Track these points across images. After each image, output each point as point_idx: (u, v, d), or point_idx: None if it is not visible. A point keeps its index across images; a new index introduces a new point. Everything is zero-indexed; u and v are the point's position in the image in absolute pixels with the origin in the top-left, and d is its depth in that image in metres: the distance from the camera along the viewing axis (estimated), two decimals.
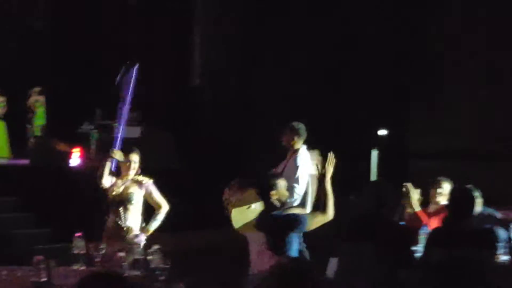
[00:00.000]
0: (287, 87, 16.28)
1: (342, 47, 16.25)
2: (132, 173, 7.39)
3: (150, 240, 6.96)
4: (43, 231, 11.70)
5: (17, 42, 17.49)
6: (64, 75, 16.67)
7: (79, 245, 6.14)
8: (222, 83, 16.96)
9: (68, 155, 13.86)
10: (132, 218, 7.32)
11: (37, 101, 17.36)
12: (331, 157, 6.29)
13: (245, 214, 6.79)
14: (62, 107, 16.41)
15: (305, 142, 8.23)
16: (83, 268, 6.02)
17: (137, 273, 5.71)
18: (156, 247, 5.62)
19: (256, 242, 6.47)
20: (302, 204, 7.87)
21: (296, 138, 8.18)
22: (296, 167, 7.91)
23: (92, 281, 2.55)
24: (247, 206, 6.82)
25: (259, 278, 5.30)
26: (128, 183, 7.36)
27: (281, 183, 6.28)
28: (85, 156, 14.90)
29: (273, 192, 6.17)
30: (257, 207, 6.59)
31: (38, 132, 16.63)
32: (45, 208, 11.76)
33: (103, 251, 6.19)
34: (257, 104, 16.67)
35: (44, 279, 5.05)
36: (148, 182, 7.43)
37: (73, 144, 14.65)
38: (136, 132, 15.48)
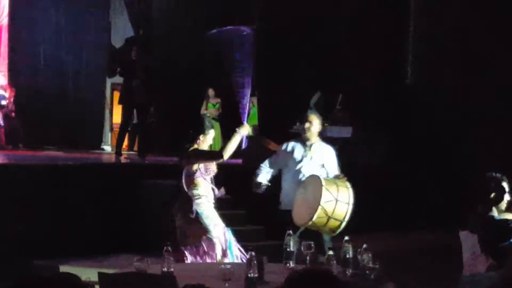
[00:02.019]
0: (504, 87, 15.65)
1: None
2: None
3: (360, 239, 6.89)
4: (256, 228, 11.94)
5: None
6: (279, 76, 16.91)
7: (291, 242, 6.18)
8: (436, 82, 16.58)
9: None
10: None
11: (251, 102, 17.83)
12: None
13: None
14: (275, 107, 16.70)
15: None
16: (294, 265, 6.05)
17: (346, 272, 5.66)
18: (365, 246, 5.55)
19: (469, 243, 6.25)
20: None
21: None
22: None
23: (301, 278, 2.49)
24: None
25: (474, 280, 5.09)
26: None
27: None
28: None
29: None
30: None
31: (251, 133, 17.02)
32: (258, 205, 11.98)
33: (313, 250, 6.19)
34: (471, 103, 16.14)
35: (255, 275, 5.11)
36: None
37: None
38: (347, 132, 15.47)
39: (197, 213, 7.16)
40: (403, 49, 17.22)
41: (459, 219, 7.44)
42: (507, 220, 6.11)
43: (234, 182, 12.29)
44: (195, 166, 7.31)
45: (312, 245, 6.20)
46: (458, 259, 6.31)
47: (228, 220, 11.78)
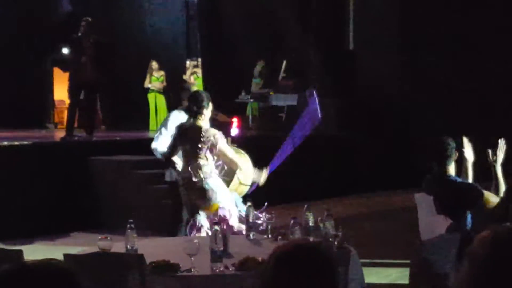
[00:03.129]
0: (448, 54, 15.85)
1: None
2: None
3: (319, 207, 6.94)
4: None
5: (172, 17, 17.85)
6: (220, 48, 16.88)
7: (251, 214, 6.17)
8: (377, 49, 16.70)
9: (227, 125, 14.05)
10: None
11: (194, 74, 17.73)
12: (502, 144, 6.19)
13: None
14: (219, 78, 16.67)
15: None
16: (256, 236, 6.07)
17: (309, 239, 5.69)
18: (326, 213, 5.57)
19: (424, 204, 6.35)
20: None
21: None
22: None
23: (290, 254, 2.41)
24: None
25: (434, 244, 5.18)
26: None
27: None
28: (243, 125, 15.12)
29: None
30: None
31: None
32: None
33: (273, 220, 6.22)
34: (413, 70, 16.32)
35: (221, 248, 5.11)
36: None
37: (231, 115, 14.88)
38: (293, 99, 15.55)
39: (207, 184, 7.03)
40: (344, 16, 17.29)
41: (413, 182, 7.57)
42: (468, 183, 6.22)
43: None
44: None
45: (272, 215, 6.23)
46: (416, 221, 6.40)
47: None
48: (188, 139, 7.07)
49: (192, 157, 7.04)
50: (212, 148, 7.00)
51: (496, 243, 2.40)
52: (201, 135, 6.97)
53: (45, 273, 2.11)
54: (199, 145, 6.97)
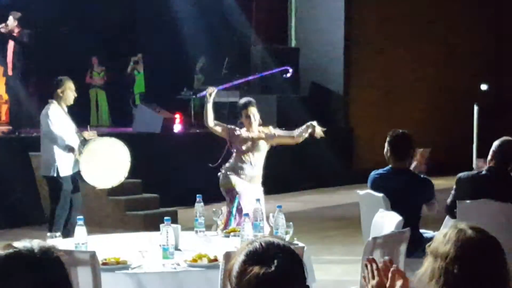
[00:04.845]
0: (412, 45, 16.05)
1: None
2: (255, 125, 7.34)
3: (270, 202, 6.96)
4: (151, 196, 11.91)
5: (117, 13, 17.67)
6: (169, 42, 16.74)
7: (200, 209, 6.14)
8: (317, 44, 16.83)
9: (169, 121, 13.99)
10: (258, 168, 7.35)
11: (135, 70, 17.57)
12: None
13: None
14: (161, 74, 16.57)
15: None
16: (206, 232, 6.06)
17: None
18: (278, 208, 5.57)
19: (368, 202, 6.43)
20: None
21: None
22: None
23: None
24: None
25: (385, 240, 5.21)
26: (254, 134, 7.33)
27: None
28: (185, 122, 15.05)
29: None
30: None
31: (138, 101, 16.84)
32: (151, 174, 11.94)
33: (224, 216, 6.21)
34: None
35: (172, 244, 5.08)
36: (272, 130, 7.40)
37: (174, 111, 14.80)
38: (235, 95, 15.52)
39: None
40: (286, 13, 17.37)
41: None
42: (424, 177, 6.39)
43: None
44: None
45: (221, 211, 6.23)
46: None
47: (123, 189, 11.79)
48: None
49: None
50: None
51: (462, 242, 2.53)
52: None
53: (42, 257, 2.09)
54: None
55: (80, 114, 16.26)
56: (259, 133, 7.32)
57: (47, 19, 15.33)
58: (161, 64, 16.74)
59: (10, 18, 12.38)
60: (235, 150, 7.38)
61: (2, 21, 12.51)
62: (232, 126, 7.47)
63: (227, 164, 7.40)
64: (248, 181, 7.27)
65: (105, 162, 8.46)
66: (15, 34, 12.35)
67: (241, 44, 16.74)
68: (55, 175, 8.54)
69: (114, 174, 8.51)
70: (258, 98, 15.53)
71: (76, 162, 8.45)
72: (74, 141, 8.51)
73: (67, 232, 7.86)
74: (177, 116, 14.52)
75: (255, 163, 7.32)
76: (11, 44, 12.41)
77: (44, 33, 14.98)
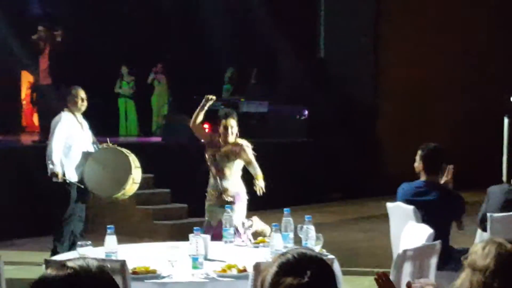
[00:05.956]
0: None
1: None
2: (231, 138, 7.25)
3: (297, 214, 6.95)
4: (180, 206, 11.93)
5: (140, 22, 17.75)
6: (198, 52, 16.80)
7: (229, 220, 6.17)
8: (345, 55, 16.81)
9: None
10: (232, 181, 7.25)
11: (155, 79, 17.46)
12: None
13: None
14: (189, 84, 16.61)
15: None
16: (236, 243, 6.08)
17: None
18: (307, 219, 5.58)
19: (399, 214, 6.40)
20: None
21: None
22: None
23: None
24: None
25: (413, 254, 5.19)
26: (228, 146, 7.22)
27: None
28: (214, 131, 15.06)
29: None
30: None
31: (165, 111, 16.86)
32: (180, 184, 11.97)
33: (251, 226, 6.23)
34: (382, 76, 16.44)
35: (201, 254, 5.09)
36: (247, 145, 7.29)
37: (202, 121, 14.80)
38: (264, 107, 15.55)
39: None
40: (315, 24, 17.38)
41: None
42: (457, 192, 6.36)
43: (156, 160, 12.30)
44: None
45: (250, 222, 6.25)
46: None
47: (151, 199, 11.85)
48: None
49: None
50: None
51: (502, 257, 2.54)
52: None
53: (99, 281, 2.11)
54: None
55: (109, 124, 16.45)
56: (232, 145, 7.22)
57: (79, 29, 15.43)
58: (190, 74, 16.78)
59: (42, 28, 12.50)
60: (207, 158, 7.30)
61: (35, 32, 12.64)
62: (215, 134, 7.42)
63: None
64: (219, 194, 7.20)
65: (108, 172, 8.51)
66: (48, 44, 12.47)
67: (270, 55, 16.76)
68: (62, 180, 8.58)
69: (116, 184, 8.52)
70: (286, 109, 15.77)
71: (80, 168, 8.50)
72: (78, 153, 8.53)
73: (73, 242, 7.95)
74: (206, 126, 14.52)
75: (228, 176, 7.24)
76: (43, 54, 12.53)
77: (76, 43, 15.09)
